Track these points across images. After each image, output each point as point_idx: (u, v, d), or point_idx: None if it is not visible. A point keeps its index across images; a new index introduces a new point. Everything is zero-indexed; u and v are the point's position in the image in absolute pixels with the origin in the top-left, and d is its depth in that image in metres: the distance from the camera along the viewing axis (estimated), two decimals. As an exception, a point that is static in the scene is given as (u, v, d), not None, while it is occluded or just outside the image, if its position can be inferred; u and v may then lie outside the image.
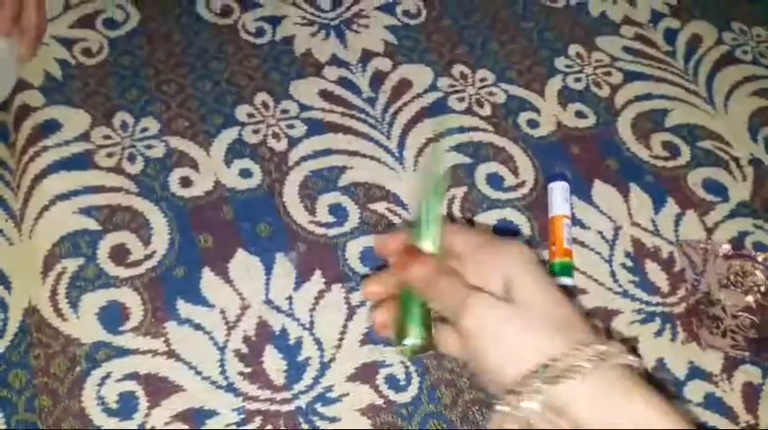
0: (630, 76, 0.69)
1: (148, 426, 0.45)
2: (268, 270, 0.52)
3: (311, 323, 0.50)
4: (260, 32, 0.67)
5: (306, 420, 0.46)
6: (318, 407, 0.47)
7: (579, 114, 0.65)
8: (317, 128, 0.60)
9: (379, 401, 0.47)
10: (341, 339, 0.50)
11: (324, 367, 0.48)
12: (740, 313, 0.53)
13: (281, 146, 0.59)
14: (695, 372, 0.51)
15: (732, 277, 0.55)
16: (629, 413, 0.33)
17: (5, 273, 0.50)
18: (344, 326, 0.50)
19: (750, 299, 0.54)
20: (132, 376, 0.46)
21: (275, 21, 0.68)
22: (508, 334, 0.35)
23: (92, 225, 0.53)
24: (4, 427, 0.44)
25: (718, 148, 0.65)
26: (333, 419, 0.46)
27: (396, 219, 0.56)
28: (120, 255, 0.52)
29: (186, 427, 0.45)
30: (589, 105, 0.66)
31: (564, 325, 0.36)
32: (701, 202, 0.60)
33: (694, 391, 0.50)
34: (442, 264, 0.40)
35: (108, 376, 0.46)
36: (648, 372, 0.51)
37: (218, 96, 0.62)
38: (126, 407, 0.45)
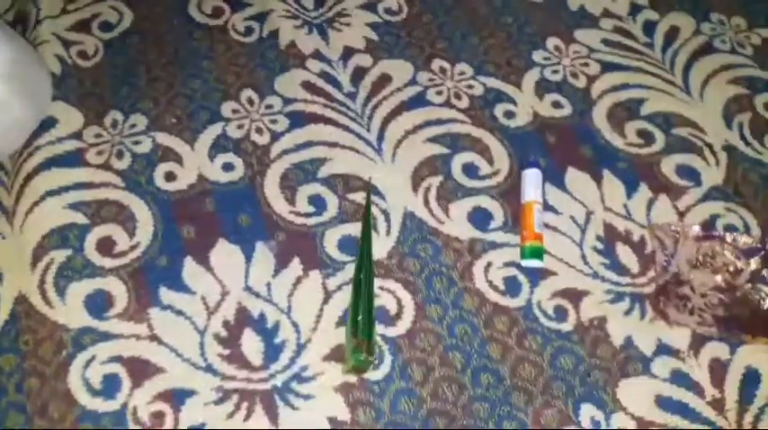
0: (608, 67, 0.70)
1: (131, 406, 0.47)
2: (248, 258, 0.54)
3: (289, 307, 0.52)
4: (248, 31, 0.69)
5: (281, 397, 0.48)
6: (294, 386, 0.49)
7: (556, 104, 0.66)
8: (298, 120, 0.62)
9: (353, 379, 0.49)
10: (317, 322, 0.51)
11: (300, 348, 0.50)
12: (709, 292, 0.54)
13: (263, 140, 0.61)
14: (663, 349, 0.52)
15: (702, 258, 0.56)
16: None
17: (-3, 265, 0.53)
18: (321, 310, 0.52)
19: (719, 278, 0.55)
20: (116, 359, 0.49)
21: (262, 18, 0.70)
22: None
23: (80, 219, 0.55)
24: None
25: (693, 135, 0.65)
26: (307, 397, 0.48)
27: (373, 209, 0.57)
28: (106, 246, 0.54)
29: (167, 406, 0.47)
30: (566, 96, 0.67)
31: None
32: (674, 187, 0.61)
33: (661, 367, 0.51)
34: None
35: (93, 359, 0.49)
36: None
37: (205, 94, 0.64)
38: (109, 387, 0.48)
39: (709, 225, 0.59)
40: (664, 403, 0.50)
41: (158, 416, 0.47)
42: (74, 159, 0.58)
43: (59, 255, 0.53)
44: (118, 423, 0.46)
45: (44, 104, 0.61)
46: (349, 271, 0.54)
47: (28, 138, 0.59)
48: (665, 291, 0.54)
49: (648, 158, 0.63)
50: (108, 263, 0.53)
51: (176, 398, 0.47)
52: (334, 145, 0.61)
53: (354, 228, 0.56)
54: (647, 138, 0.65)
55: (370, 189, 0.58)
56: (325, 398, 0.48)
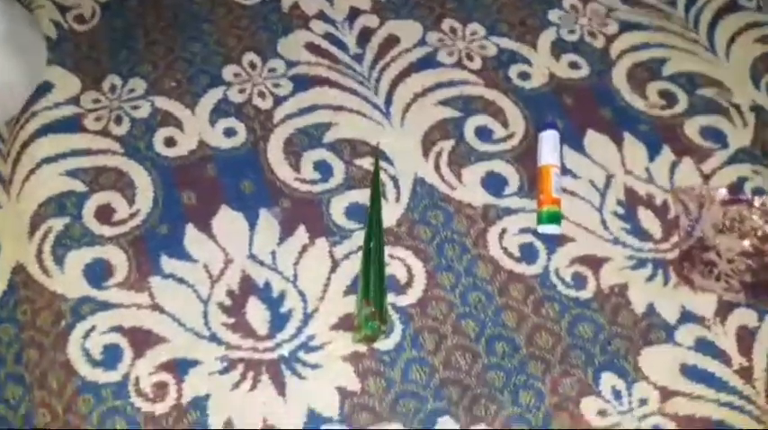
0: (627, 27, 0.66)
1: (133, 376, 0.45)
2: (251, 225, 0.52)
3: (295, 276, 0.50)
4: (250, -7, 0.66)
5: (288, 367, 0.46)
6: (301, 355, 0.47)
7: (573, 65, 0.63)
8: (302, 83, 0.60)
9: (362, 349, 0.47)
10: (324, 291, 0.49)
11: (307, 317, 0.48)
12: (736, 257, 0.52)
13: (266, 104, 0.59)
14: (687, 316, 0.50)
15: (728, 222, 0.53)
16: None
17: (-6, 234, 0.51)
18: (328, 279, 0.50)
19: (747, 243, 0.52)
20: (116, 329, 0.47)
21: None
22: None
23: (78, 186, 0.53)
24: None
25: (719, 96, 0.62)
26: (315, 366, 0.46)
27: (382, 175, 0.55)
28: (105, 214, 0.52)
29: (170, 376, 0.45)
30: (583, 56, 0.64)
31: None
32: (699, 150, 0.58)
33: (685, 335, 0.49)
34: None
35: (92, 329, 0.47)
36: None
37: (206, 57, 0.61)
38: (110, 358, 0.46)
39: (736, 188, 0.56)
40: (688, 372, 0.48)
41: (161, 386, 0.45)
42: (71, 125, 0.56)
43: (57, 224, 0.51)
44: (119, 394, 0.45)
45: (39, 69, 0.59)
46: (356, 239, 0.52)
47: (24, 104, 0.57)
48: (689, 257, 0.52)
49: (671, 120, 0.60)
50: (107, 231, 0.51)
51: (179, 368, 0.46)
52: (339, 109, 0.58)
53: (362, 195, 0.54)
54: (669, 99, 0.62)
55: (378, 154, 0.56)
56: (334, 367, 0.46)
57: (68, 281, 0.49)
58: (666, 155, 0.58)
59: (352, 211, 0.53)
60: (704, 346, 0.49)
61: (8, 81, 0.54)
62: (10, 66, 0.54)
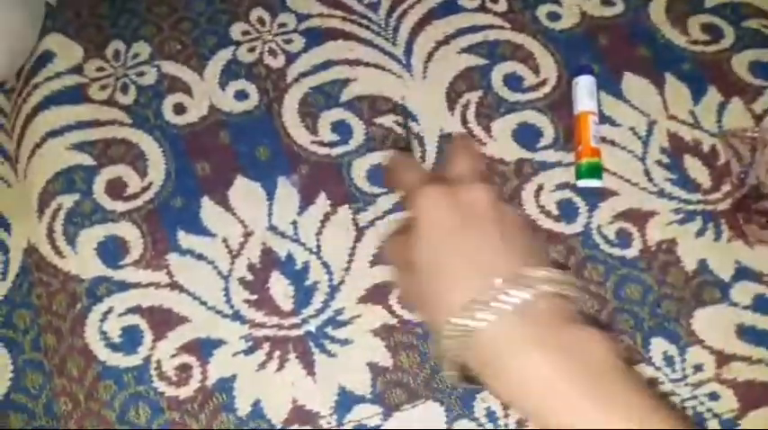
0: (664, -45, 0.60)
1: (154, 359, 0.43)
2: (270, 195, 0.49)
3: (318, 247, 0.47)
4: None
5: (316, 344, 0.44)
6: (329, 331, 0.44)
7: (606, 2, 0.58)
8: (316, 38, 0.56)
9: (393, 321, 0.45)
10: (350, 261, 0.47)
11: (333, 290, 0.46)
12: (795, 206, 0.48)
13: (278, 62, 0.55)
14: (743, 272, 0.46)
15: (786, 167, 0.49)
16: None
17: (4, 215, 0.49)
18: (353, 248, 0.47)
19: (807, 189, 0.48)
20: (135, 310, 0.45)
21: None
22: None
23: (86, 160, 0.51)
24: (11, 368, 0.43)
25: (768, 27, 0.57)
26: (345, 342, 0.44)
27: (403, 133, 0.52)
28: (116, 188, 0.50)
29: (193, 358, 0.43)
30: (618, -9, 0.59)
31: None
32: (748, 88, 0.54)
33: (742, 293, 0.46)
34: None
35: (110, 311, 0.45)
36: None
37: (211, 16, 0.57)
38: (130, 341, 0.44)
39: (792, 128, 0.52)
40: (746, 333, 0.44)
41: (184, 369, 0.43)
42: (75, 96, 0.53)
43: (67, 201, 0.49)
44: (141, 379, 0.43)
45: (39, 21, 0.55)
46: (381, 205, 0.49)
47: (26, 76, 0.54)
48: (743, 207, 0.48)
49: (717, 56, 0.55)
50: (120, 206, 0.49)
51: (203, 349, 0.44)
52: (356, 63, 0.54)
53: (384, 157, 0.51)
54: (714, 33, 0.56)
55: (406, 112, 0.52)
56: (364, 342, 0.44)
57: (82, 260, 0.47)
58: (713, 95, 0.53)
59: (375, 175, 0.50)
60: (763, 305, 0.45)
61: (14, 27, 0.51)
62: (13, 15, 0.51)
